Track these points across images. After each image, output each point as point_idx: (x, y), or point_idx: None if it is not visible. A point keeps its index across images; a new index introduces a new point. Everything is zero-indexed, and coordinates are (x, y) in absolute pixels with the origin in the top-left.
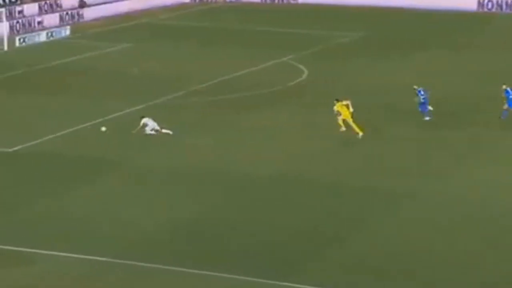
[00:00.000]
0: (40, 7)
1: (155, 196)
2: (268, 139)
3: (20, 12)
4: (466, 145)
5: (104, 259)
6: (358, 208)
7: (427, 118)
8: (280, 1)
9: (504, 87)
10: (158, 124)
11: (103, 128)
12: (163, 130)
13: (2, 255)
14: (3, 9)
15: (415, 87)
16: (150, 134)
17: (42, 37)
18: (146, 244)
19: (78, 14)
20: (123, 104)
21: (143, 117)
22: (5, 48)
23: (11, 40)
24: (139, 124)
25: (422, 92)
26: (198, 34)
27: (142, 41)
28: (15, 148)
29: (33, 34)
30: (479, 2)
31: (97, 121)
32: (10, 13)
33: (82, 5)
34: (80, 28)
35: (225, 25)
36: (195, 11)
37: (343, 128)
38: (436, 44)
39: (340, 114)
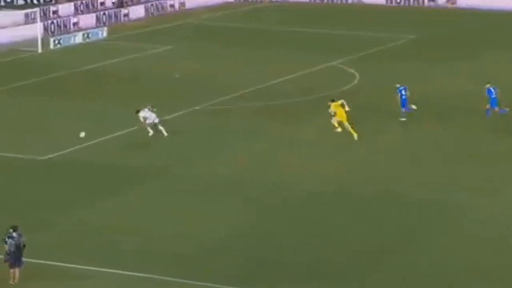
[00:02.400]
0: (76, 7)
1: (196, 208)
2: (318, 149)
3: (55, 12)
4: None
5: (144, 275)
6: (411, 222)
7: (403, 119)
8: (329, 1)
9: (487, 86)
10: (158, 116)
11: (82, 134)
12: (160, 127)
13: (43, 271)
14: (37, 9)
15: (398, 85)
16: (159, 129)
17: (78, 38)
18: (188, 260)
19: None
20: (164, 109)
21: (138, 111)
22: (39, 50)
23: (45, 42)
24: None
25: (403, 92)
26: (242, 35)
27: (184, 42)
28: (49, 156)
29: (69, 35)
30: None
31: (135, 127)
32: (45, 14)
33: (121, 5)
34: (118, 29)
35: (270, 27)
36: (239, 12)
37: (339, 129)
38: (493, 46)
39: (335, 115)
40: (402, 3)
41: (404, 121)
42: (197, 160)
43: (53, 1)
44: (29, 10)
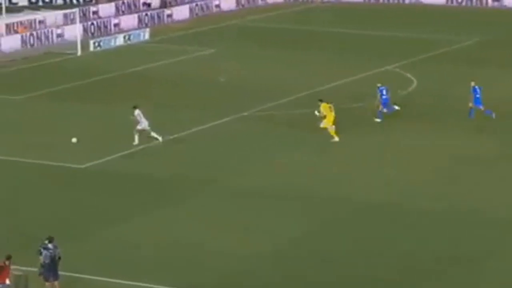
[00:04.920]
0: (117, 8)
1: (244, 220)
2: (370, 160)
3: (95, 13)
4: None
5: None
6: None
7: (378, 120)
8: (385, 1)
9: (472, 84)
10: (149, 125)
11: (74, 139)
12: (152, 134)
13: (79, 284)
14: (76, 10)
15: (379, 85)
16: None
17: (119, 40)
18: (236, 274)
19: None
20: (207, 116)
21: (135, 107)
22: (79, 52)
23: (85, 44)
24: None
25: (384, 92)
26: (291, 37)
27: (230, 45)
28: (88, 164)
29: (109, 37)
30: None
31: (179, 135)
32: (84, 14)
33: (164, 5)
34: (161, 31)
35: (321, 28)
36: (288, 12)
37: (336, 139)
38: None
39: (325, 117)
40: (463, 3)
41: (379, 122)
42: (242, 170)
43: (93, 1)
44: (68, 11)
